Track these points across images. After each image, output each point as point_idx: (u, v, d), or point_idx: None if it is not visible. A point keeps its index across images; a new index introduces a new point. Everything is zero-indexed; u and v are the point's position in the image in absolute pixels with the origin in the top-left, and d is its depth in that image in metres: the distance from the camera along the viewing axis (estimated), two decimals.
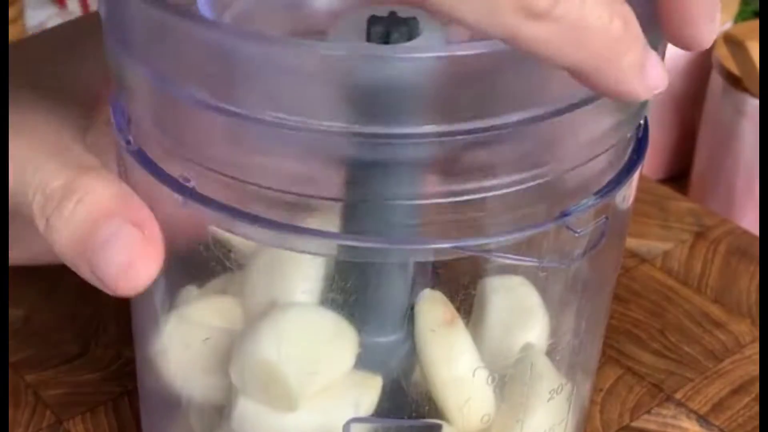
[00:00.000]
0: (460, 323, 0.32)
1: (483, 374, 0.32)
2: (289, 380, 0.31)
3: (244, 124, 0.27)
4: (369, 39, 0.28)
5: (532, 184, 0.28)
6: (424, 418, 0.32)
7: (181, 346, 0.34)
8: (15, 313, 0.46)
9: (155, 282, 0.30)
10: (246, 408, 0.32)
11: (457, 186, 0.27)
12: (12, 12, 0.73)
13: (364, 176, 0.28)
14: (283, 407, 0.31)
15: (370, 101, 0.26)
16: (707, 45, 0.27)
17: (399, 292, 0.32)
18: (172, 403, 0.35)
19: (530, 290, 0.34)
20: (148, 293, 0.32)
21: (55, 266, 0.32)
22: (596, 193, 0.30)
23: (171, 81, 0.28)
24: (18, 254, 0.41)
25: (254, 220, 0.28)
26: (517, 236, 0.29)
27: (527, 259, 0.30)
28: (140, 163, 0.30)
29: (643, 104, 0.30)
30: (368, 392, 0.32)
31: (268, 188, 0.28)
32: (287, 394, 0.31)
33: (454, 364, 0.32)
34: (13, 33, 0.73)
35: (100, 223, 0.30)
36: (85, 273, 0.31)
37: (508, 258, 0.29)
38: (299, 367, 0.31)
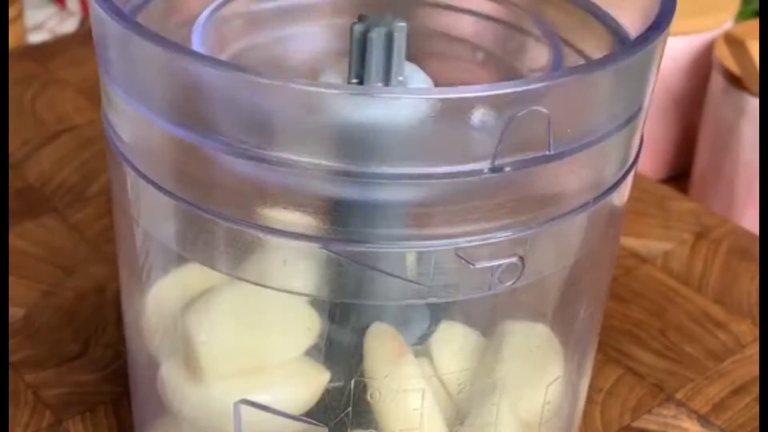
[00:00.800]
0: (410, 356, 0.32)
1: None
2: (202, 353, 0.31)
3: (225, 159, 0.27)
4: (351, 36, 0.29)
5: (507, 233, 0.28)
6: (362, 428, 0.32)
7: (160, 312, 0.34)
8: (15, 313, 0.46)
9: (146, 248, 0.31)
10: (168, 374, 0.32)
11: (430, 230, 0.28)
12: (12, 12, 0.73)
13: (347, 216, 0.28)
14: (197, 378, 0.32)
15: (353, 140, 0.26)
16: None
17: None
18: (153, 367, 0.35)
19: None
20: (134, 256, 0.32)
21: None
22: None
23: (147, 108, 0.28)
24: None
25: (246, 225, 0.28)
26: (498, 239, 0.29)
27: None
28: (129, 166, 0.30)
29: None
30: (309, 385, 0.32)
31: (241, 222, 0.28)
32: (199, 367, 0.31)
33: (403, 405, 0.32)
34: (13, 33, 0.73)
35: None
36: None
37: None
38: (218, 345, 0.31)
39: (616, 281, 0.49)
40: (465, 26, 0.35)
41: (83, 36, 0.69)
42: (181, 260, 0.32)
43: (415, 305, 0.32)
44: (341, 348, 0.32)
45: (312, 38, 0.36)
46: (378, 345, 0.32)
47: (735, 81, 0.63)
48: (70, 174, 0.55)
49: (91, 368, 0.43)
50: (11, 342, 0.44)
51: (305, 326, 0.31)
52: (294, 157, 0.26)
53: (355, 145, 0.26)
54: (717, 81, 0.65)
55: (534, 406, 0.34)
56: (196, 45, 0.32)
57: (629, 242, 0.52)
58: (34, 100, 0.61)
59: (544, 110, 0.26)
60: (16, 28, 0.74)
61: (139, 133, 0.30)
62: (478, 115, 0.25)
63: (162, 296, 0.33)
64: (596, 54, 0.33)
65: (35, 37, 0.80)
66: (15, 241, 0.49)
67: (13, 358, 0.43)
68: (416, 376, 0.32)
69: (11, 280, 0.47)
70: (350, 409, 0.32)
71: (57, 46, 0.67)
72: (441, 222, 0.28)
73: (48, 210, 0.52)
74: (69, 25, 0.85)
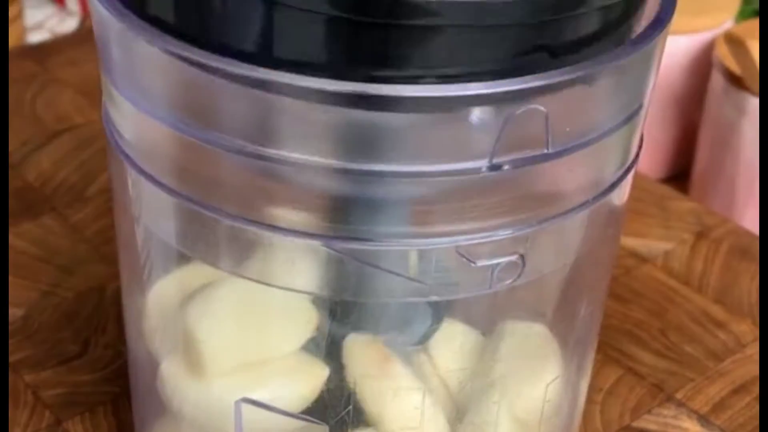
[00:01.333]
0: (395, 362, 0.32)
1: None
2: (202, 349, 0.31)
3: (227, 156, 0.27)
4: None
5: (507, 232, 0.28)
6: (362, 426, 0.32)
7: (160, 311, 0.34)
8: (15, 313, 0.46)
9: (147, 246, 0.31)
10: (169, 372, 0.32)
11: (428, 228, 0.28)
12: (11, 11, 0.73)
13: (348, 213, 0.28)
14: (197, 375, 0.32)
15: (352, 137, 0.26)
16: None
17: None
18: (153, 366, 0.35)
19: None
20: (135, 255, 0.32)
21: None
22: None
23: (149, 105, 0.28)
24: None
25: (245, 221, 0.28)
26: (498, 237, 0.29)
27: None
28: (130, 164, 0.30)
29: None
30: (308, 381, 0.32)
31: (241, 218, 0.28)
32: (200, 364, 0.31)
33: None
34: (13, 32, 0.73)
35: None
36: None
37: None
38: (218, 340, 0.31)
39: (616, 281, 0.49)
40: None
41: (83, 35, 0.69)
42: (182, 259, 0.32)
43: (416, 304, 0.32)
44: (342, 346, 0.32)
45: None
46: (359, 354, 0.32)
47: (735, 80, 0.63)
48: (69, 174, 0.55)
49: (91, 368, 0.43)
50: (11, 342, 0.44)
51: (303, 319, 0.31)
52: (295, 155, 0.26)
53: (355, 142, 0.26)
54: (717, 80, 0.65)
55: (533, 405, 0.34)
56: None
57: (629, 242, 0.52)
58: (33, 99, 0.61)
59: (543, 108, 0.26)
60: (16, 28, 0.74)
61: (141, 130, 0.30)
62: (476, 113, 0.25)
63: (163, 295, 0.33)
64: None
65: (35, 37, 0.80)
66: (14, 240, 0.49)
67: (12, 358, 0.43)
68: (406, 376, 0.32)
69: (11, 280, 0.47)
70: (351, 407, 0.32)
71: (56, 46, 0.67)
72: (441, 220, 0.28)
73: (47, 210, 0.52)
74: (68, 25, 0.85)
